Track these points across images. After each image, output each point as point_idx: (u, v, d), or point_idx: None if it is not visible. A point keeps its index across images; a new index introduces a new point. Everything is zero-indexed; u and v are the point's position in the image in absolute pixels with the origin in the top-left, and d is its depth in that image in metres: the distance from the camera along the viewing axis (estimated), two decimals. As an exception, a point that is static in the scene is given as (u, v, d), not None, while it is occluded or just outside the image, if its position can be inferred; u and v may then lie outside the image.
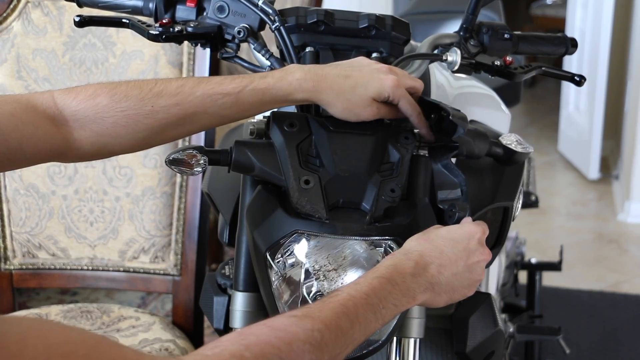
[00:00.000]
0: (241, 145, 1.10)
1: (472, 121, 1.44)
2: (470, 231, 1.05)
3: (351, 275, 1.07)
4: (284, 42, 1.18)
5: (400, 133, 1.12)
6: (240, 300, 1.15)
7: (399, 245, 1.07)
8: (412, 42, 1.39)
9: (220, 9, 1.22)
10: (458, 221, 1.10)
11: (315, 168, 1.08)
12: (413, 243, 1.02)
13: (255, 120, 1.16)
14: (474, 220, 1.25)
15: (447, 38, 1.29)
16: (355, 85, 1.09)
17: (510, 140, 1.21)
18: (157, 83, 1.09)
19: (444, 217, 1.13)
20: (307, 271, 1.07)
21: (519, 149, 1.21)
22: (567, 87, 4.74)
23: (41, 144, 1.05)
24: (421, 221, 1.09)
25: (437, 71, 1.50)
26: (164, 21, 1.21)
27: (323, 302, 0.89)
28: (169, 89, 1.08)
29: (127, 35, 1.74)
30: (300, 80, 1.08)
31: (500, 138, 1.21)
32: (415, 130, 1.14)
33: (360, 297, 0.91)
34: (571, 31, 4.62)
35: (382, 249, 1.08)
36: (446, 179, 1.15)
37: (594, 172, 4.36)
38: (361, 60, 1.14)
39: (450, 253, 1.02)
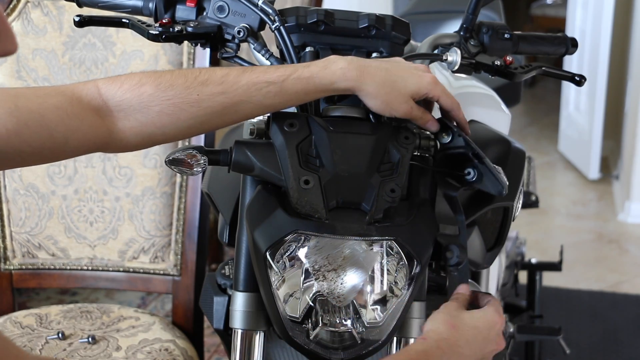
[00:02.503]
0: (241, 145, 1.10)
1: (472, 121, 1.44)
2: (492, 321, 1.07)
3: (350, 276, 1.07)
4: (284, 42, 1.18)
5: (400, 133, 1.12)
6: (240, 300, 1.15)
7: (399, 245, 1.07)
8: (412, 42, 1.39)
9: (220, 9, 1.22)
10: (457, 265, 1.11)
11: (315, 168, 1.08)
12: (442, 328, 1.04)
13: (255, 120, 1.16)
14: (474, 220, 1.25)
15: (447, 38, 1.29)
16: (396, 79, 1.10)
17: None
18: (201, 72, 1.09)
19: (441, 253, 1.11)
20: (306, 271, 1.07)
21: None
22: (567, 87, 4.73)
23: (86, 137, 1.05)
24: (421, 222, 1.09)
25: (437, 71, 1.50)
26: (163, 21, 1.21)
27: None
28: (213, 77, 1.08)
29: (127, 35, 1.73)
30: (344, 69, 1.08)
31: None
32: (418, 131, 1.14)
33: None
34: (571, 31, 4.62)
35: (383, 249, 1.07)
36: (446, 210, 1.14)
37: (594, 172, 4.36)
38: (397, 58, 1.16)
39: (473, 343, 1.04)
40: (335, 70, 1.08)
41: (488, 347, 1.06)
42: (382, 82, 1.09)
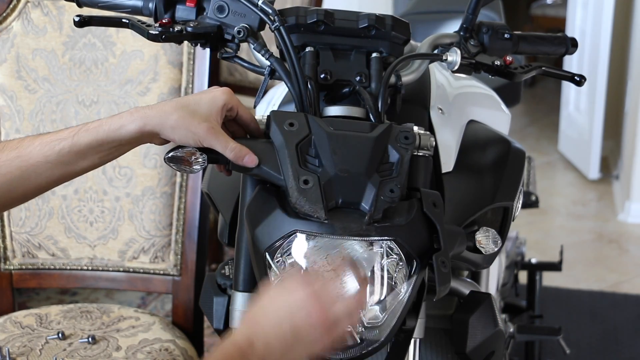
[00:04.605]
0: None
1: (472, 121, 1.44)
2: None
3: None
4: (283, 42, 1.18)
5: (400, 133, 1.12)
6: (240, 300, 1.15)
7: (398, 245, 1.07)
8: (412, 42, 1.39)
9: (220, 9, 1.21)
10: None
11: (315, 168, 1.08)
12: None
13: (257, 119, 1.16)
14: (474, 220, 1.25)
15: (447, 38, 1.29)
16: (189, 102, 1.11)
17: (486, 238, 1.21)
18: (6, 143, 1.15)
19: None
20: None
21: (486, 249, 1.21)
22: (567, 87, 4.73)
23: None
24: (420, 222, 1.09)
25: (437, 71, 1.50)
26: (163, 21, 1.21)
27: None
28: (10, 144, 1.14)
29: (127, 35, 1.73)
30: (131, 112, 1.11)
31: (477, 234, 1.20)
32: (416, 129, 1.14)
33: None
34: (571, 31, 4.62)
35: (382, 249, 1.07)
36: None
37: (594, 172, 4.36)
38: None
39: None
40: (122, 115, 1.11)
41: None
42: (177, 106, 1.10)
